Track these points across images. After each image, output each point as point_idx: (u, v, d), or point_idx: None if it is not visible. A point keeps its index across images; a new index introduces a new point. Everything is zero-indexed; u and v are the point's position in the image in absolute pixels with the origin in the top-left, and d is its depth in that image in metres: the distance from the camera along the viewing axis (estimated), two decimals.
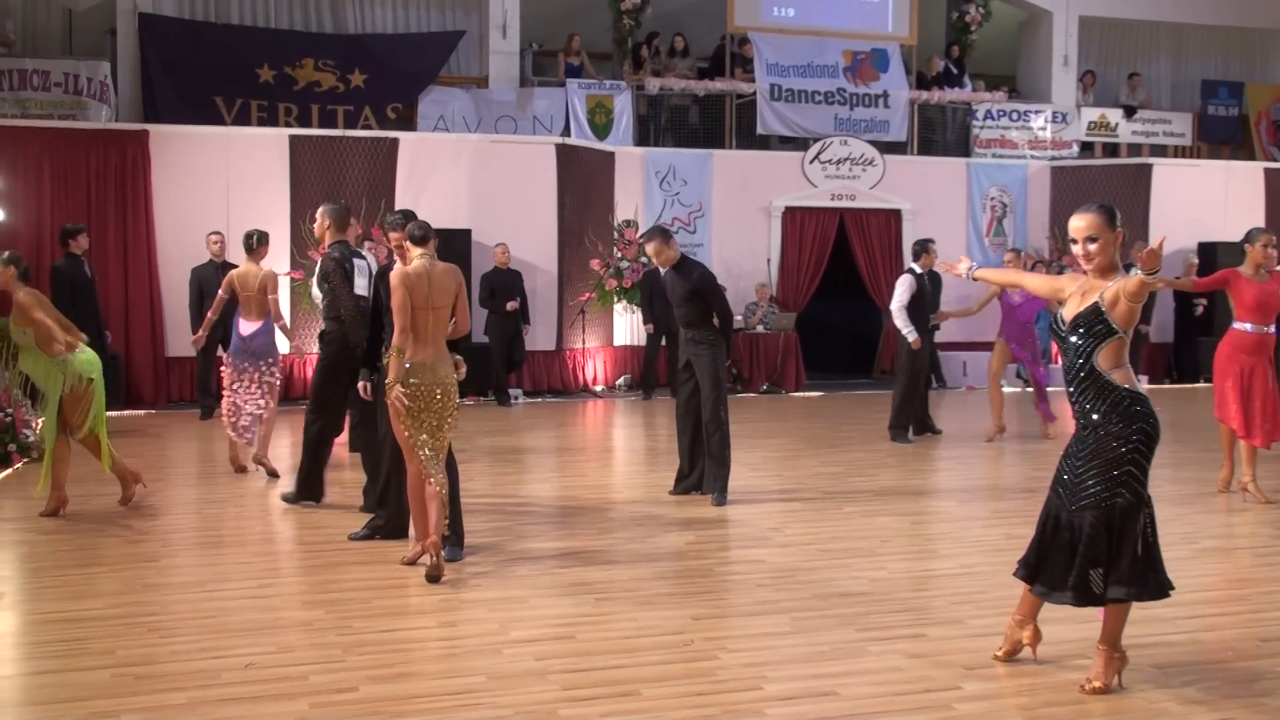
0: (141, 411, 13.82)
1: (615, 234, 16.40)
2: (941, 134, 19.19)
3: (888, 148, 18.12)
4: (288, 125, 15.77)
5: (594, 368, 16.47)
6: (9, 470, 9.72)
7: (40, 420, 8.27)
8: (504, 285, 14.74)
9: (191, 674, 4.96)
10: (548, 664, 5.09)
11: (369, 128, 16.04)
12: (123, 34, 15.81)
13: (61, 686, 4.84)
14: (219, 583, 6.48)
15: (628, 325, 16.77)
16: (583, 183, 16.21)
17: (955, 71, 19.21)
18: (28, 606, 6.09)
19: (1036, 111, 19.30)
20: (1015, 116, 19.19)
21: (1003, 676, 4.99)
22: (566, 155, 16.00)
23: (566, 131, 16.75)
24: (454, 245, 13.74)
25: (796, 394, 16.38)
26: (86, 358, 8.13)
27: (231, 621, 5.71)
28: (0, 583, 6.55)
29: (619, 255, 16.24)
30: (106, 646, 5.30)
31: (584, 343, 16.28)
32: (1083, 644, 5.04)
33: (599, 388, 16.31)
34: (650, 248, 8.62)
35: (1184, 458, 10.72)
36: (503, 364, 14.70)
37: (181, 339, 14.25)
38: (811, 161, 17.66)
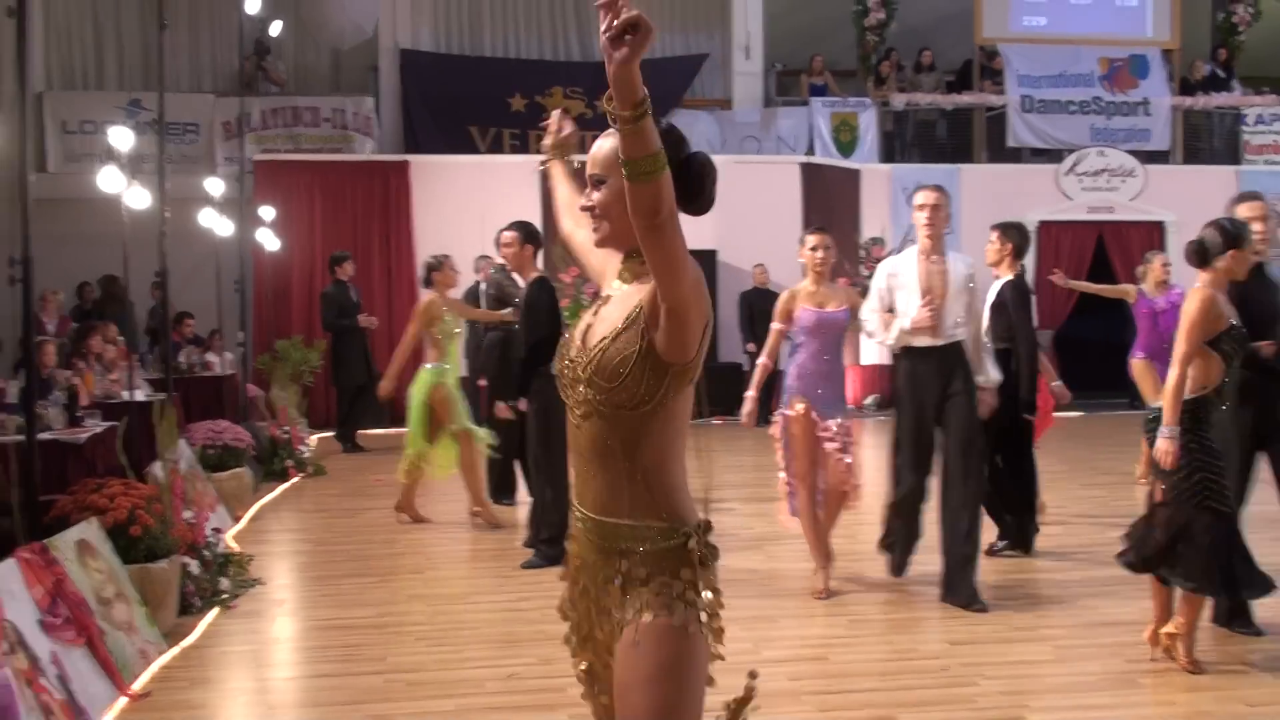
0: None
1: (861, 252, 16.22)
2: (1208, 141, 18.25)
3: (1149, 157, 17.35)
4: (539, 153, 16.21)
5: (848, 386, 16.22)
6: (287, 485, 10.31)
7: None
8: (764, 306, 14.71)
9: (457, 682, 5.15)
10: (800, 684, 5.05)
11: None
12: (385, 70, 16.64)
13: (339, 690, 5.10)
14: (479, 595, 6.70)
15: (875, 345, 16.46)
16: (828, 201, 16.08)
17: (1222, 75, 18.26)
18: (306, 613, 6.45)
19: None
20: None
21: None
22: (811, 174, 15.93)
23: (811, 150, 16.69)
24: (700, 266, 13.82)
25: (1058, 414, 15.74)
26: None
27: (493, 633, 5.90)
28: (281, 590, 6.95)
29: (865, 274, 16.02)
30: (378, 653, 5.56)
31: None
32: None
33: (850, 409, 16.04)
34: (1003, 238, 7.77)
35: None
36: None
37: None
38: (1067, 174, 17.06)
